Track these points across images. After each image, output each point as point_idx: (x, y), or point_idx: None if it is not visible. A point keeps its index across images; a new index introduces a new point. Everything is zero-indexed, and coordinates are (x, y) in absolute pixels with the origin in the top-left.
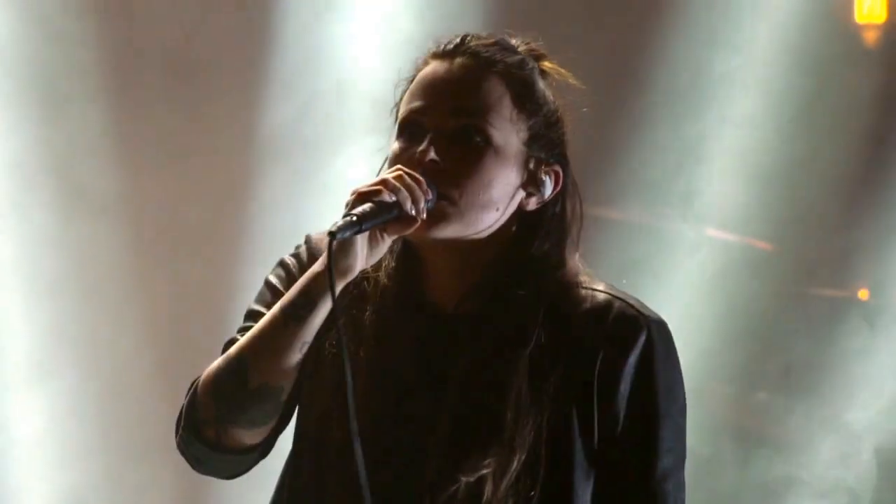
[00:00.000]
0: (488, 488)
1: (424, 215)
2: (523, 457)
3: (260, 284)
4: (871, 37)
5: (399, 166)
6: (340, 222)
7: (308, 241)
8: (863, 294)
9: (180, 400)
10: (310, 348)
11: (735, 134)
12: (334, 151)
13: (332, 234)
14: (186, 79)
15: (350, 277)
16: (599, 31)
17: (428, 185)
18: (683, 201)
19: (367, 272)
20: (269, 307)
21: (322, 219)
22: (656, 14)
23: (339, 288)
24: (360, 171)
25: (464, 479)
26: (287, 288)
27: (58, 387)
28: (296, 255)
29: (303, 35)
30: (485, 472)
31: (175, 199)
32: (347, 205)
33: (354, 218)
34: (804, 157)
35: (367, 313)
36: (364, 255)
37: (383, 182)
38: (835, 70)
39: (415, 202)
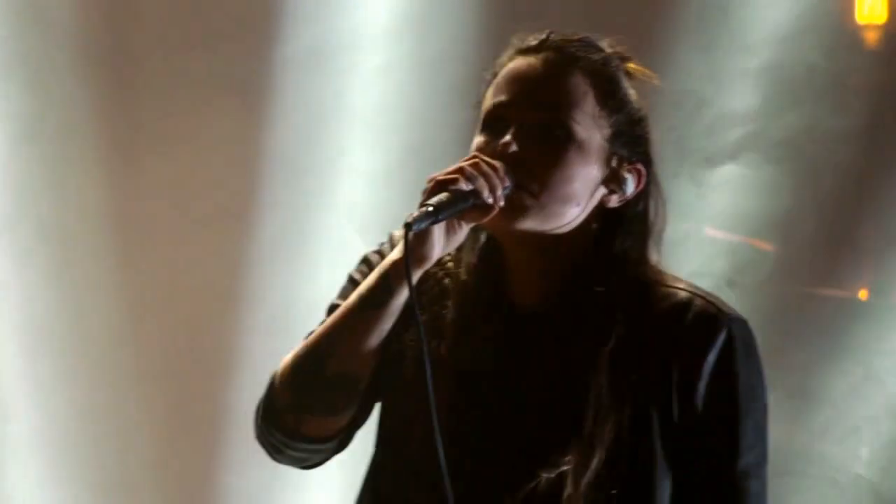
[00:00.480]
0: (568, 485)
1: (502, 202)
2: (604, 454)
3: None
4: (871, 37)
5: (475, 153)
6: (417, 213)
7: (391, 238)
8: (863, 294)
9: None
10: (390, 346)
11: (735, 134)
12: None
13: (408, 226)
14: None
15: (428, 265)
16: (599, 31)
17: (505, 173)
18: (683, 201)
19: (449, 269)
20: None
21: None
22: (655, 15)
23: (416, 276)
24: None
25: (543, 475)
26: None
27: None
28: (379, 252)
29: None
30: (564, 468)
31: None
32: (424, 192)
33: (431, 208)
34: (804, 156)
35: (448, 310)
36: (442, 244)
37: (460, 170)
38: (835, 70)
39: (492, 190)
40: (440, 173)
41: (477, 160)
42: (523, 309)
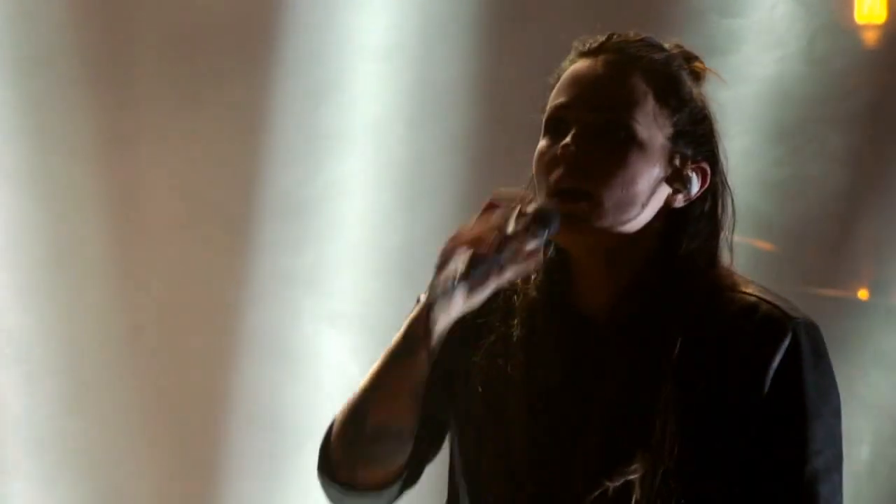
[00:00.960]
0: (636, 494)
1: (540, 255)
2: (670, 464)
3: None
4: (871, 37)
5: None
6: (439, 292)
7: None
8: (863, 294)
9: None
10: (458, 371)
11: (734, 134)
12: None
13: (428, 308)
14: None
15: (455, 316)
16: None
17: (528, 201)
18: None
19: (517, 284)
20: None
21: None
22: (653, 16)
23: (441, 326)
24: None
25: (610, 485)
26: None
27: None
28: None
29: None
30: (632, 477)
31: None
32: (442, 255)
33: (451, 288)
34: (804, 156)
35: (515, 328)
36: (468, 301)
37: (478, 241)
38: (835, 70)
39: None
40: (465, 238)
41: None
42: (591, 318)
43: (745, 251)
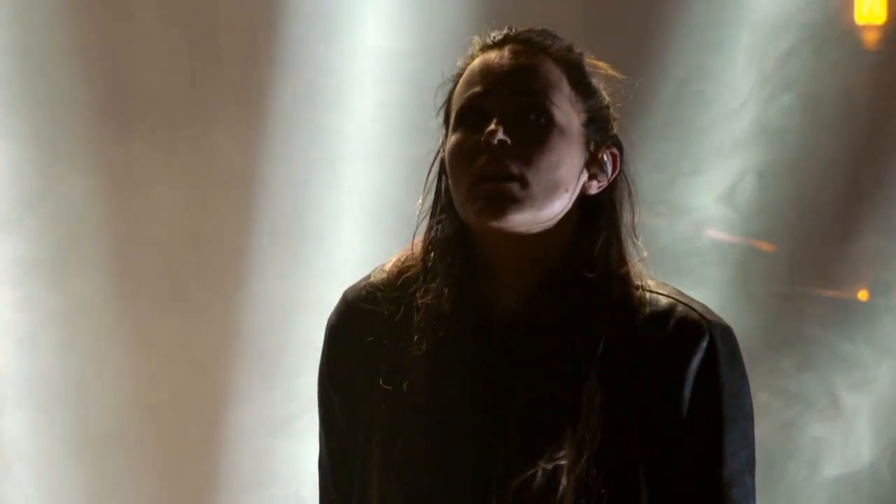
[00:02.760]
0: (563, 480)
1: None
2: (592, 453)
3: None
4: (871, 37)
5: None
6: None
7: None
8: (863, 294)
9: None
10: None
11: (735, 134)
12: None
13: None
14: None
15: None
16: (598, 33)
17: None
18: (683, 201)
19: (412, 300)
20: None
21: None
22: (654, 13)
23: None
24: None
25: (542, 464)
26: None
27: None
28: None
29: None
30: (562, 462)
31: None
32: None
33: None
34: (804, 157)
35: (418, 344)
36: None
37: None
38: (834, 70)
39: None
40: None
41: None
42: (504, 320)
43: (745, 251)
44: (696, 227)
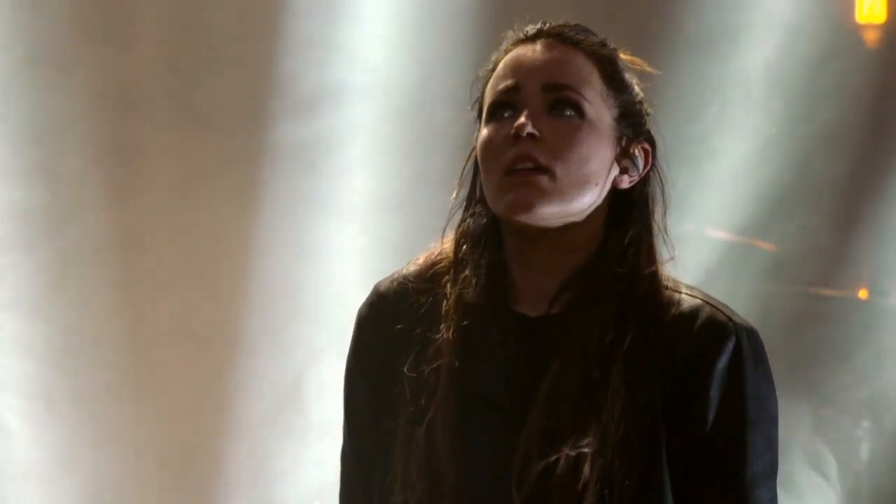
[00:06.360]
0: (586, 469)
1: None
2: (617, 445)
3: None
4: (871, 37)
5: None
6: None
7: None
8: (863, 294)
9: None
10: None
11: (735, 134)
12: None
13: None
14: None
15: None
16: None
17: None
18: (683, 201)
19: (442, 291)
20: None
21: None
22: (652, 15)
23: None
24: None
25: (565, 451)
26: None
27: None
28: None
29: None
30: (585, 450)
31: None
32: None
33: None
34: (804, 156)
35: (445, 332)
36: None
37: None
38: (834, 70)
39: None
40: None
41: None
42: (532, 311)
43: (745, 251)
44: (696, 227)
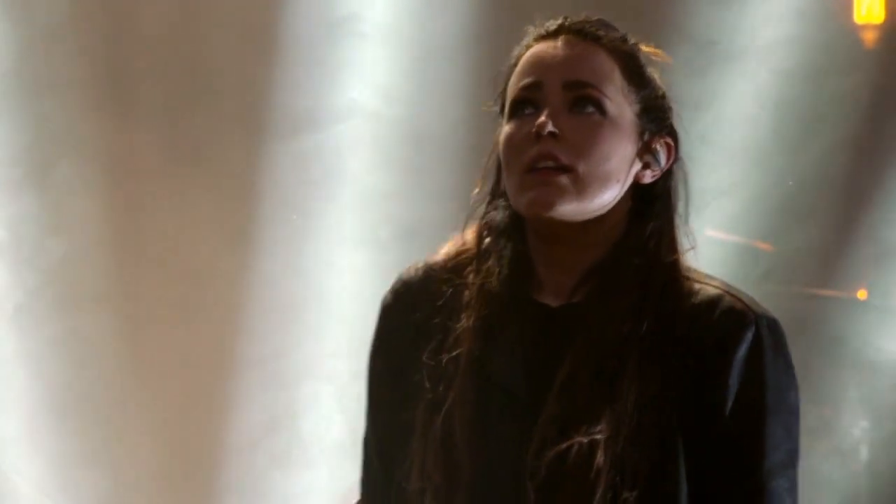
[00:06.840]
0: (600, 455)
1: None
2: (631, 433)
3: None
4: (870, 37)
5: None
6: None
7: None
8: (862, 294)
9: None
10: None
11: (735, 134)
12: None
13: None
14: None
15: None
16: None
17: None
18: (683, 201)
19: (464, 281)
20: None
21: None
22: (652, 14)
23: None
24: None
25: (578, 438)
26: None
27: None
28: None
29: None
30: (598, 437)
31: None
32: None
33: None
34: (804, 156)
35: (466, 321)
36: None
37: None
38: (834, 70)
39: None
40: None
41: None
42: (551, 300)
43: (745, 251)
44: (697, 227)
